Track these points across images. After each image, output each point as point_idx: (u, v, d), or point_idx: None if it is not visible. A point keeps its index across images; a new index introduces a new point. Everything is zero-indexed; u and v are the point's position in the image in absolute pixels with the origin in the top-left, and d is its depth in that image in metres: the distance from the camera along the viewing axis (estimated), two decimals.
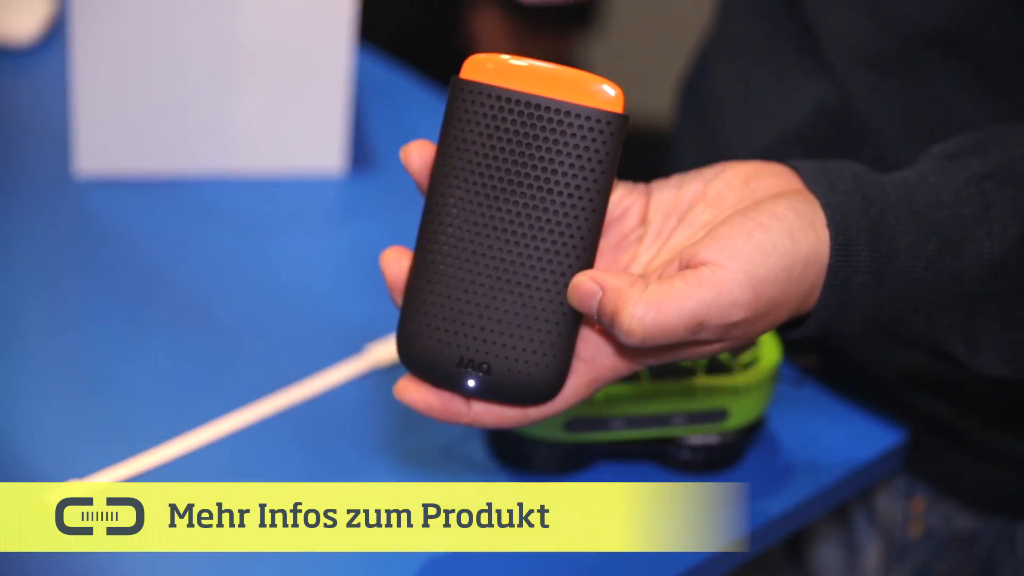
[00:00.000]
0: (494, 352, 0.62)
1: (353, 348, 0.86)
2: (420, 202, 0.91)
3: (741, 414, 0.78)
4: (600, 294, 0.59)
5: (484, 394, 0.62)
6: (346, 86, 1.02)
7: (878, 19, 0.83)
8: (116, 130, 1.00)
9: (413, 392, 0.63)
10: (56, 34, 1.15)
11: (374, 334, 0.87)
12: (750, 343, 0.63)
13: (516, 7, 1.84)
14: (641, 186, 0.67)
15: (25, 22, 1.14)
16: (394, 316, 0.87)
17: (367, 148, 1.09)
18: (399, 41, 1.79)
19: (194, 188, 1.01)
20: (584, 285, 0.60)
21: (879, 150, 0.83)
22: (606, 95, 0.61)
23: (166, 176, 1.02)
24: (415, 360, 0.63)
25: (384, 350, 0.85)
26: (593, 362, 0.62)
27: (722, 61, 0.97)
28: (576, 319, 0.62)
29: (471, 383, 0.62)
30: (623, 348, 0.62)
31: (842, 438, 0.84)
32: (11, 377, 0.82)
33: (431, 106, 1.15)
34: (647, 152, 1.11)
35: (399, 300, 0.63)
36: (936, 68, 0.81)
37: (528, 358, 0.61)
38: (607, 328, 0.60)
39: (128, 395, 0.81)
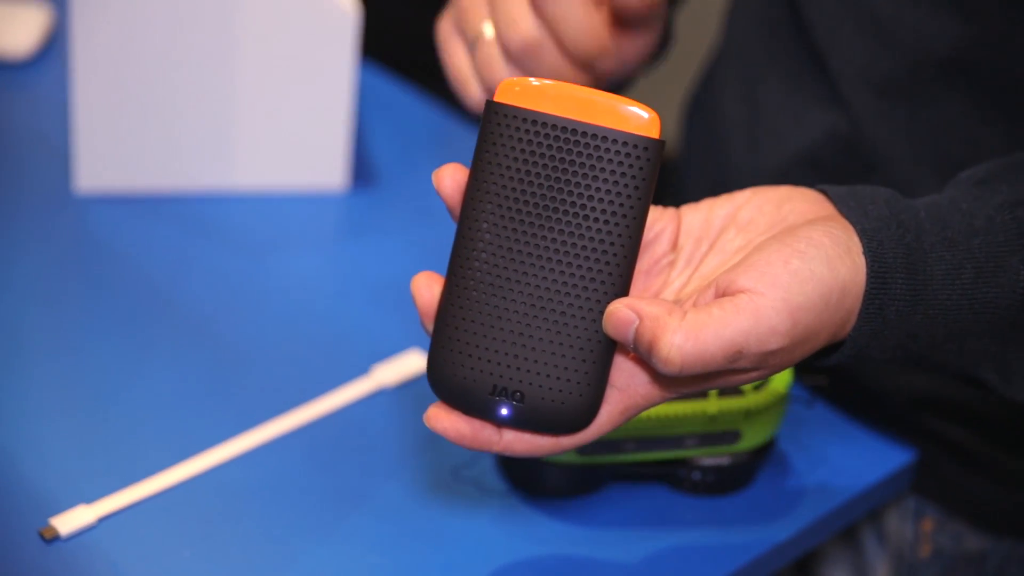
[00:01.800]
0: (527, 380, 0.61)
1: (359, 366, 0.85)
2: (424, 217, 0.90)
3: (752, 435, 0.77)
4: (637, 322, 0.58)
5: (517, 423, 0.61)
6: (349, 102, 1.01)
7: (886, 44, 0.82)
8: (117, 147, 0.99)
9: (444, 420, 0.61)
10: (53, 47, 1.15)
11: (380, 352, 0.86)
12: (784, 369, 0.62)
13: None
14: (671, 210, 0.66)
15: (22, 35, 1.13)
16: (400, 332, 0.88)
17: (369, 164, 1.08)
18: (393, 49, 1.78)
19: (195, 205, 1.01)
20: (620, 313, 0.59)
21: (888, 176, 0.82)
22: (641, 119, 0.60)
23: (167, 193, 1.01)
24: (446, 388, 0.61)
25: (390, 370, 0.84)
26: (627, 390, 0.61)
27: (729, 80, 0.97)
28: (611, 347, 0.61)
29: (504, 411, 0.61)
30: (658, 376, 0.61)
31: (852, 458, 0.84)
32: (13, 397, 0.81)
33: (432, 120, 1.14)
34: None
35: (430, 327, 0.62)
36: (945, 94, 0.81)
37: (562, 387, 0.60)
38: (643, 357, 0.59)
39: (132, 416, 0.80)
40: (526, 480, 0.77)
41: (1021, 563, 0.87)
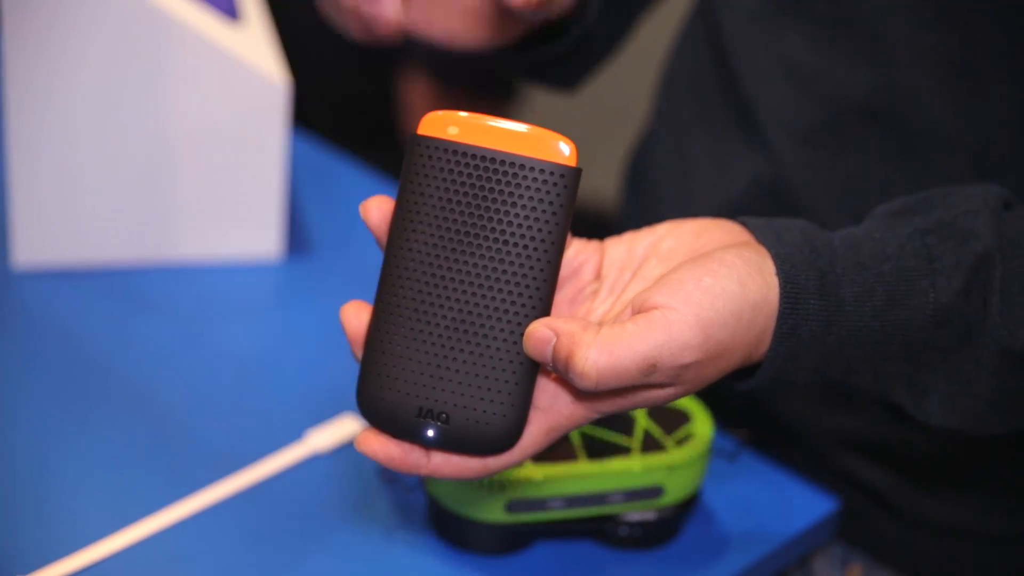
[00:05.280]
0: (452, 402, 0.63)
1: (293, 434, 0.87)
2: (358, 286, 0.92)
3: (677, 490, 0.79)
4: (554, 339, 0.61)
5: (443, 444, 0.63)
6: (281, 172, 1.03)
7: (808, 93, 0.85)
8: (54, 221, 1.00)
9: (374, 443, 0.64)
10: None
11: (314, 419, 0.88)
12: (701, 388, 0.64)
13: (444, 76, 1.87)
14: (595, 242, 0.69)
15: None
16: (333, 398, 0.89)
17: (303, 232, 1.10)
18: (331, 111, 1.80)
19: (132, 277, 1.02)
20: (538, 332, 0.61)
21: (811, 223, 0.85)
22: (560, 149, 0.63)
23: (104, 266, 1.02)
24: (375, 411, 0.64)
25: (324, 436, 0.86)
26: (550, 410, 0.64)
27: (662, 137, 1.00)
28: (533, 368, 0.63)
29: (430, 433, 0.63)
30: (579, 395, 0.63)
31: (776, 508, 0.86)
32: None
33: (366, 187, 1.16)
34: (588, 227, 1.13)
35: (359, 353, 0.65)
36: (861, 142, 0.84)
37: (486, 408, 0.63)
38: (562, 374, 0.61)
39: (69, 487, 0.81)
40: (458, 539, 0.79)
41: None
